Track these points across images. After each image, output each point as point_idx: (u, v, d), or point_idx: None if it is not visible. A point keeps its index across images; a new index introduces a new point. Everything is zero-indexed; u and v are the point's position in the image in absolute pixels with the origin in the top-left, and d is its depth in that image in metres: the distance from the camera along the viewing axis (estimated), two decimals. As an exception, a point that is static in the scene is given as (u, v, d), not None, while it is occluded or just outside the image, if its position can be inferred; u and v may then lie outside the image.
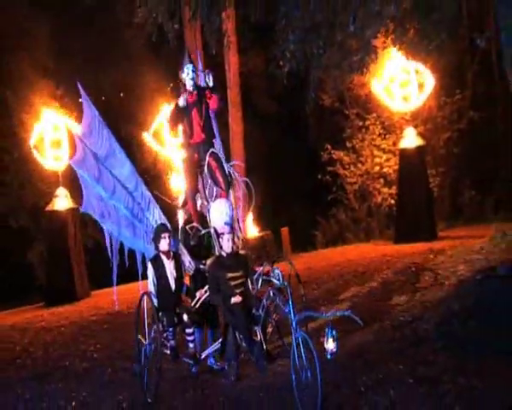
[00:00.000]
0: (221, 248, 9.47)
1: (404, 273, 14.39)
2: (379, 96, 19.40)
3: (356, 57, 13.89)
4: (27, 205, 23.80)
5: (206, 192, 10.28)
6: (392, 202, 20.82)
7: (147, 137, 18.71)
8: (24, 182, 23.45)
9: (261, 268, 9.30)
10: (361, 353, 9.58)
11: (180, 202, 10.99)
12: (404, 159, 18.99)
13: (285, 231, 19.69)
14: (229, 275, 9.26)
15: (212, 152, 10.08)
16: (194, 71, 10.22)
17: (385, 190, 21.50)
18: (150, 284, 9.88)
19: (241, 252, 9.81)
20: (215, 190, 10.21)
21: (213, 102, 10.24)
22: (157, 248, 9.87)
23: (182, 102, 10.13)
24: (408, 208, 18.75)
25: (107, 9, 22.98)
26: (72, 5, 23.38)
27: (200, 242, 10.15)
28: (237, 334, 9.14)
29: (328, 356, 7.89)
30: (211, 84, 10.26)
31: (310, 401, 7.87)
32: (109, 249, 10.99)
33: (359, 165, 21.76)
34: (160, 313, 9.70)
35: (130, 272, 19.66)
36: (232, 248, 9.44)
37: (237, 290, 9.23)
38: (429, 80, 18.78)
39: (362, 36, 13.27)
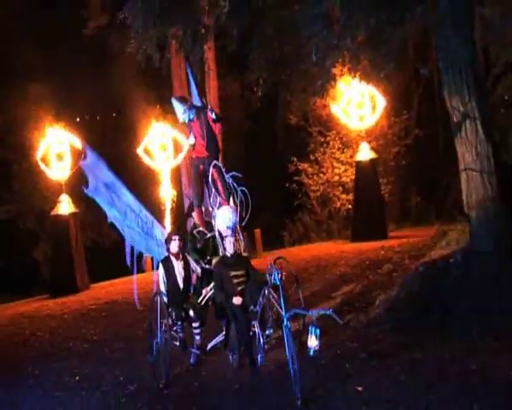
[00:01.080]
0: (225, 249, 9.37)
1: (359, 267, 14.57)
2: (338, 116, 19.41)
3: (318, 83, 13.97)
4: (34, 210, 23.74)
5: (211, 200, 10.11)
6: (350, 206, 20.78)
7: (138, 152, 18.71)
8: (31, 190, 23.36)
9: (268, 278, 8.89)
10: (322, 333, 9.75)
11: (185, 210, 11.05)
12: (359, 170, 19.08)
13: (258, 232, 19.69)
14: (232, 273, 9.14)
15: (215, 164, 9.97)
16: (185, 110, 10.20)
17: (343, 196, 21.48)
18: (161, 282, 9.72)
19: (244, 254, 9.69)
20: (218, 198, 10.05)
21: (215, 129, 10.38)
22: (168, 249, 9.76)
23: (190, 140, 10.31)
24: (363, 212, 18.83)
25: (103, 39, 22.91)
26: (72, 36, 23.34)
27: (206, 244, 10.02)
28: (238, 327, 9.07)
29: (311, 353, 7.65)
30: (214, 117, 10.15)
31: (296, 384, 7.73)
32: (129, 256, 11.57)
33: (321, 175, 21.76)
34: (170, 309, 9.55)
35: (126, 268, 19.88)
36: (235, 249, 9.32)
37: (239, 288, 9.09)
38: (381, 103, 18.89)
39: (323, 65, 13.35)
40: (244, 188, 9.98)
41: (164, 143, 18.90)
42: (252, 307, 8.91)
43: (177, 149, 19.24)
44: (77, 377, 10.52)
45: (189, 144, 10.58)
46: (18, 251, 23.91)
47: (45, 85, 22.45)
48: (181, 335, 9.66)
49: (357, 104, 18.92)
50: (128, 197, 10.97)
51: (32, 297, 18.82)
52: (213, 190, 10.00)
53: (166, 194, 18.22)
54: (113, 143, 23.30)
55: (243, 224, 9.88)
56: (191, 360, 9.85)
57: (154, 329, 9.64)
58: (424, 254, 14.07)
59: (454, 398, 7.08)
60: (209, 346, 9.71)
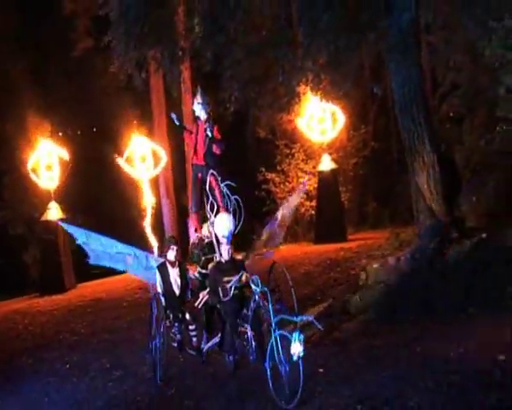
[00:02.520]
0: (221, 255, 8.96)
1: (322, 266, 14.86)
2: (302, 130, 19.64)
3: (284, 100, 14.28)
4: (24, 216, 23.69)
5: (208, 207, 9.57)
6: (313, 212, 20.77)
7: (120, 161, 18.84)
8: (21, 198, 23.32)
9: (237, 277, 8.54)
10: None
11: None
12: (321, 179, 19.30)
13: (230, 235, 19.89)
14: (225, 279, 8.63)
15: (212, 173, 9.57)
16: (200, 103, 9.75)
17: (307, 203, 21.47)
18: (158, 286, 9.32)
19: (238, 258, 9.27)
20: (215, 205, 9.58)
21: (216, 149, 9.74)
22: (165, 256, 9.38)
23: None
24: (325, 217, 19.06)
25: (89, 59, 23.00)
26: (60, 56, 23.44)
27: (204, 250, 9.61)
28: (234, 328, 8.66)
29: (295, 358, 7.31)
30: (209, 134, 9.64)
31: (285, 387, 7.47)
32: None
33: (287, 183, 21.80)
34: (168, 311, 9.21)
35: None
36: (230, 255, 8.88)
37: (232, 292, 8.54)
38: (340, 118, 19.20)
39: (288, 84, 13.66)
40: (238, 197, 9.64)
41: (144, 155, 19.10)
42: (244, 311, 8.52)
43: (156, 160, 19.46)
44: (67, 365, 10.77)
45: (171, 117, 10.05)
46: (8, 255, 23.82)
47: (35, 102, 22.47)
48: (178, 336, 9.27)
49: (319, 119, 19.17)
50: (119, 248, 10.18)
51: (23, 296, 18.90)
52: (210, 197, 9.54)
53: (147, 201, 18.42)
54: (96, 155, 23.36)
55: (236, 231, 9.40)
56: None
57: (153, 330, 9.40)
58: (378, 253, 14.27)
59: (403, 376, 7.42)
60: (205, 348, 9.27)
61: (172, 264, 9.27)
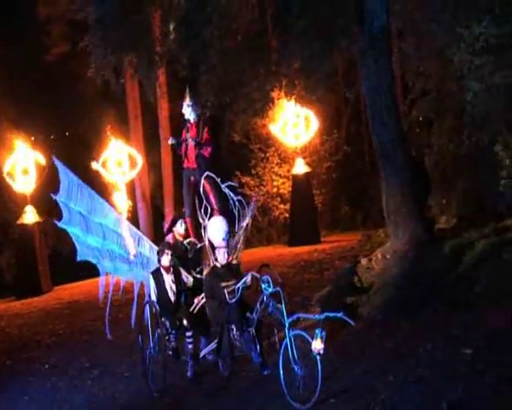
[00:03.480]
0: (216, 260, 8.66)
1: (296, 267, 15.04)
2: (276, 135, 19.89)
3: (258, 105, 14.52)
4: (-1, 220, 23.66)
5: (202, 211, 9.14)
6: (287, 215, 21.05)
7: (96, 166, 18.93)
8: (-4, 201, 23.27)
9: (244, 278, 8.30)
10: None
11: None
12: (295, 182, 19.56)
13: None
14: (223, 284, 8.43)
15: (207, 175, 9.27)
16: (189, 105, 9.55)
17: (281, 206, 21.73)
18: (152, 292, 9.07)
19: (234, 262, 8.92)
20: (209, 209, 9.18)
21: (204, 150, 9.62)
22: (159, 262, 9.06)
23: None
24: (298, 220, 19.28)
25: (65, 64, 22.97)
26: (35, 61, 23.39)
27: (196, 255, 9.39)
28: (231, 334, 8.40)
29: (314, 355, 7.14)
30: (194, 142, 9.49)
31: (301, 390, 7.25)
32: (103, 286, 10.06)
33: (261, 187, 21.90)
34: (163, 319, 8.88)
35: (90, 270, 19.97)
36: (227, 260, 8.65)
37: (231, 297, 8.32)
38: (314, 123, 19.48)
39: (263, 89, 13.95)
40: (240, 197, 9.33)
41: (120, 159, 19.23)
42: (248, 314, 8.26)
43: (132, 164, 19.59)
44: (46, 365, 10.88)
45: (170, 143, 9.98)
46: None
47: (10, 106, 22.41)
48: (173, 344, 8.98)
49: (293, 124, 19.40)
50: (109, 217, 9.68)
51: (-1, 300, 18.91)
52: (204, 201, 9.19)
53: (123, 205, 18.52)
54: (73, 159, 23.33)
55: (241, 232, 9.18)
56: (188, 374, 9.05)
57: (146, 339, 9.12)
58: (351, 255, 14.60)
59: (374, 370, 7.64)
60: (202, 354, 9.01)
61: (167, 270, 9.00)
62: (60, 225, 9.63)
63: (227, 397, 8.13)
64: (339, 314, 7.49)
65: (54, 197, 9.37)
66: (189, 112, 9.55)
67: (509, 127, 11.33)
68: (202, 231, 9.15)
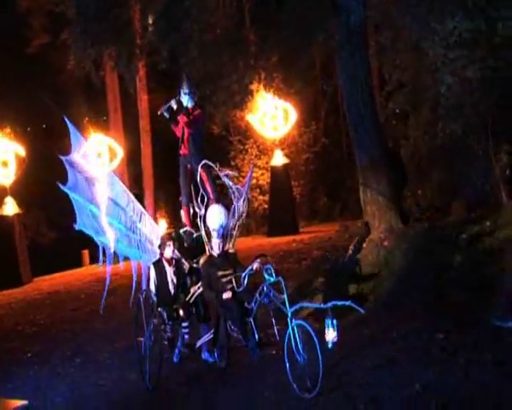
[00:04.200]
0: (212, 248, 8.50)
1: (275, 257, 15.07)
2: (255, 127, 20.09)
3: (237, 98, 14.64)
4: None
5: (199, 200, 8.95)
6: (266, 206, 21.35)
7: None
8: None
9: (249, 266, 8.02)
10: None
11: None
12: (274, 174, 19.80)
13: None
14: (220, 273, 8.24)
15: (204, 164, 9.07)
16: (186, 93, 9.20)
17: (260, 197, 22.00)
18: (151, 283, 8.74)
19: (230, 251, 8.65)
20: (205, 198, 8.97)
21: (195, 129, 9.29)
22: (161, 254, 8.78)
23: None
24: (277, 211, 19.52)
25: (45, 57, 22.90)
26: (14, 53, 23.32)
27: (193, 243, 9.14)
28: (228, 325, 8.22)
29: (330, 345, 7.07)
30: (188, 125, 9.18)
31: (305, 379, 7.07)
32: (101, 259, 9.45)
33: (241, 179, 22.18)
34: (160, 309, 8.62)
35: (69, 261, 20.06)
36: (222, 249, 8.41)
37: (228, 287, 8.16)
38: (292, 115, 19.67)
39: (242, 82, 14.07)
40: (239, 186, 9.23)
41: (100, 151, 19.28)
42: (246, 304, 8.01)
43: (112, 155, 19.67)
44: (29, 354, 10.91)
45: (160, 113, 9.51)
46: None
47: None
48: (169, 334, 8.75)
49: (271, 116, 19.58)
50: (115, 189, 9.30)
51: (-21, 291, 18.88)
52: (201, 189, 9.00)
53: (103, 196, 18.60)
54: (53, 151, 23.33)
55: (240, 222, 9.05)
56: (174, 359, 8.89)
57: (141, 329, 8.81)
58: (329, 245, 14.83)
59: (352, 356, 7.86)
60: (198, 344, 8.79)
61: (169, 262, 8.77)
62: (63, 188, 9.22)
63: (227, 388, 7.94)
64: (347, 303, 7.41)
65: (63, 158, 9.29)
66: (186, 99, 9.29)
67: (482, 120, 11.55)
68: (198, 220, 8.97)
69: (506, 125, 11.12)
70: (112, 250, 9.28)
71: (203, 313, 8.85)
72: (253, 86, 16.91)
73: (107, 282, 9.44)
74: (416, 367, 7.10)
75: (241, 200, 9.15)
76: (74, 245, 21.67)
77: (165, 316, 8.63)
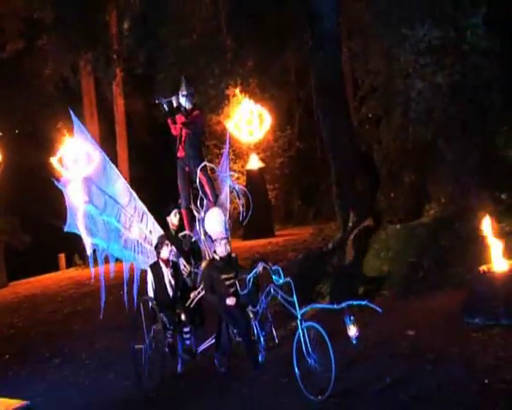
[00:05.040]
0: (215, 252, 8.18)
1: (251, 259, 15.16)
2: (231, 131, 20.33)
3: (214, 102, 14.82)
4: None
5: (198, 203, 8.87)
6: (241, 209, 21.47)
7: (53, 161, 18.97)
8: None
9: (254, 269, 7.80)
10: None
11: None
12: (249, 177, 19.92)
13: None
14: (224, 276, 8.02)
15: (203, 166, 8.89)
16: (185, 95, 8.97)
17: (235, 200, 22.20)
18: (149, 287, 8.47)
19: (233, 255, 8.31)
20: (205, 201, 8.90)
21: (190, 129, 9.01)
22: (158, 255, 8.50)
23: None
24: (253, 214, 19.67)
25: (20, 62, 22.81)
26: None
27: (191, 248, 8.91)
28: (230, 330, 8.03)
29: (354, 341, 6.99)
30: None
31: (316, 382, 6.91)
32: (91, 260, 9.02)
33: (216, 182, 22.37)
34: (161, 314, 8.25)
35: (45, 266, 20.02)
36: (226, 251, 8.12)
37: (231, 290, 7.96)
38: (267, 120, 19.88)
39: (218, 87, 14.26)
40: (243, 187, 9.21)
41: (77, 156, 19.31)
42: (251, 308, 7.84)
43: (89, 160, 19.68)
44: (7, 356, 10.95)
45: (157, 102, 9.40)
46: None
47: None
48: (170, 340, 8.39)
49: (247, 121, 19.73)
50: (117, 186, 9.09)
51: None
52: (200, 192, 8.86)
53: (79, 201, 18.69)
54: (29, 155, 23.33)
55: (245, 223, 9.13)
56: (179, 369, 8.53)
57: (139, 335, 8.49)
58: (304, 247, 15.06)
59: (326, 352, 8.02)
60: (200, 349, 8.53)
61: (166, 263, 8.48)
62: (59, 185, 9.09)
63: (229, 396, 7.65)
64: (363, 302, 7.27)
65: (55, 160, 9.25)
66: (184, 101, 9.04)
67: (451, 124, 11.84)
68: (197, 223, 8.83)
69: (475, 130, 11.40)
70: (99, 251, 8.95)
71: (200, 316, 8.60)
72: (229, 91, 17.10)
73: (103, 284, 9.10)
74: (386, 362, 7.33)
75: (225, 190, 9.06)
76: (50, 249, 21.79)
77: (167, 321, 8.26)
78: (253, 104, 19.15)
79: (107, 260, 9.06)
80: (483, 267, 8.25)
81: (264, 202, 19.93)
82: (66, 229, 9.00)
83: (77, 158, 18.87)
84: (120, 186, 9.09)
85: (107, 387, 8.82)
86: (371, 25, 13.51)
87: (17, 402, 6.90)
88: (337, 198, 12.16)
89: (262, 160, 20.42)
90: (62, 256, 21.49)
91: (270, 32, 12.75)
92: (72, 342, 11.10)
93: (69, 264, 21.47)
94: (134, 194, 9.09)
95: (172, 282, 8.46)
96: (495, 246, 8.20)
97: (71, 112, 9.26)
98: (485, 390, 6.23)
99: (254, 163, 19.86)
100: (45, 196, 23.44)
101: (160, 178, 25.81)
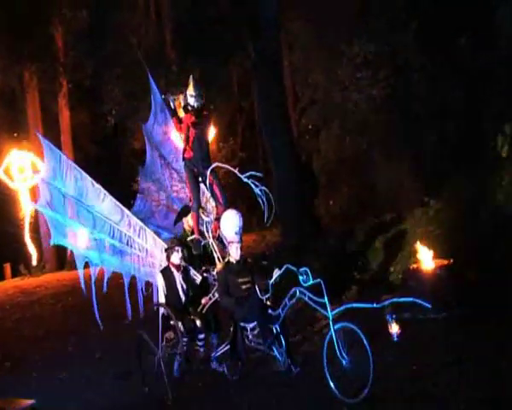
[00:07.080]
0: (229, 255, 7.86)
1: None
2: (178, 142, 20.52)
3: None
4: None
5: (206, 206, 8.76)
6: None
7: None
8: None
9: (276, 273, 7.49)
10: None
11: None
12: (194, 186, 20.20)
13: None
14: (240, 280, 7.72)
15: (213, 169, 8.64)
16: (193, 95, 8.57)
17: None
18: (160, 293, 8.12)
19: (248, 260, 8.12)
20: (213, 204, 8.73)
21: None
22: (168, 259, 8.15)
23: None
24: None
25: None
26: None
27: (201, 252, 8.56)
28: (245, 335, 7.68)
29: (395, 339, 6.94)
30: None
31: (350, 384, 6.58)
32: (82, 278, 8.62)
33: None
34: (172, 322, 7.83)
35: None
36: (241, 255, 7.87)
37: (247, 294, 7.67)
38: (211, 131, 20.14)
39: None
40: (265, 187, 8.76)
41: (22, 166, 19.36)
42: (271, 311, 7.49)
43: (35, 170, 19.73)
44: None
45: (163, 98, 9.47)
46: None
47: None
48: (185, 348, 7.95)
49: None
50: (106, 204, 8.78)
51: None
52: (209, 195, 8.71)
53: (26, 210, 18.85)
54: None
55: (268, 224, 8.74)
56: (175, 373, 8.05)
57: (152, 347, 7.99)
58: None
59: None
60: (214, 356, 8.04)
61: (177, 268, 8.11)
62: (36, 206, 8.79)
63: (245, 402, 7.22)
64: (410, 299, 6.72)
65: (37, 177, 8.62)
66: (193, 101, 8.64)
67: (386, 134, 12.44)
68: (205, 227, 8.54)
69: (406, 140, 11.99)
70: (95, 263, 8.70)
71: (214, 322, 8.13)
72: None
73: (93, 292, 8.54)
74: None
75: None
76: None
77: (182, 328, 7.85)
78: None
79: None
80: (413, 266, 8.79)
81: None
82: (52, 242, 8.73)
83: (23, 167, 19.17)
84: (109, 204, 8.75)
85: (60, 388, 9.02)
86: (310, 41, 14.05)
87: (23, 401, 6.87)
88: (278, 204, 12.56)
89: (206, 169, 20.64)
90: (8, 266, 21.36)
91: (214, 46, 13.10)
92: (22, 346, 11.20)
93: (14, 273, 21.35)
94: (127, 211, 8.77)
95: (184, 286, 8.08)
96: (423, 247, 8.72)
97: (39, 135, 9.05)
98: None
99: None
100: None
101: (107, 188, 25.75)
